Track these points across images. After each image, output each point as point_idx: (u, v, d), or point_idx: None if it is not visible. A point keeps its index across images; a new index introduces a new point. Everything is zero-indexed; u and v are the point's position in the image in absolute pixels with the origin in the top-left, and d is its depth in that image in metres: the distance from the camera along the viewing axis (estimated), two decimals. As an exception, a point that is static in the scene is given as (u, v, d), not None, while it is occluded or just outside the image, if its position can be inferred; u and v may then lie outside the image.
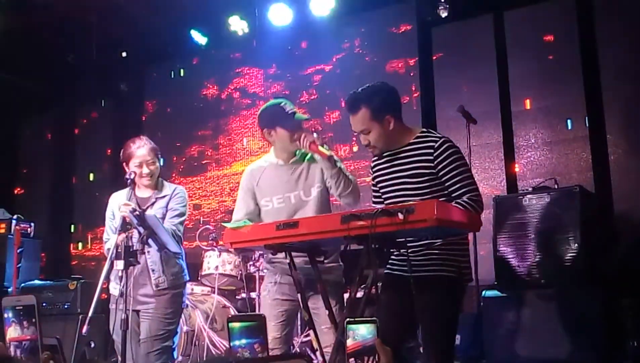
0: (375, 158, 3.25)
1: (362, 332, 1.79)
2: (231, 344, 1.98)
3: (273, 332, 3.40)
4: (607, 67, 5.82)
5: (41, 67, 8.20)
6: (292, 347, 4.29)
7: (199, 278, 5.84)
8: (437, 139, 3.04)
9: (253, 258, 5.77)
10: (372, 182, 3.28)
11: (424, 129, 3.16)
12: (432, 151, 3.00)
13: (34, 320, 1.94)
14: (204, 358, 5.25)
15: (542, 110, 6.14)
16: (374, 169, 3.25)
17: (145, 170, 3.87)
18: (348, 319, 1.86)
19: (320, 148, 3.29)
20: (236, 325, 1.97)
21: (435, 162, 2.99)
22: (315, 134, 3.39)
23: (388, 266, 3.12)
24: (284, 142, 3.46)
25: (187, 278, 4.02)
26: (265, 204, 3.51)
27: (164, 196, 3.92)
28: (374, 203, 3.24)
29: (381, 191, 3.19)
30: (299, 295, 3.11)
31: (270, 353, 3.24)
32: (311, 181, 3.45)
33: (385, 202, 3.14)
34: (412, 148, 3.07)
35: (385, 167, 3.17)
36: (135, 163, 3.86)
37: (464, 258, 3.09)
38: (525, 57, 6.23)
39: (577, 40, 5.98)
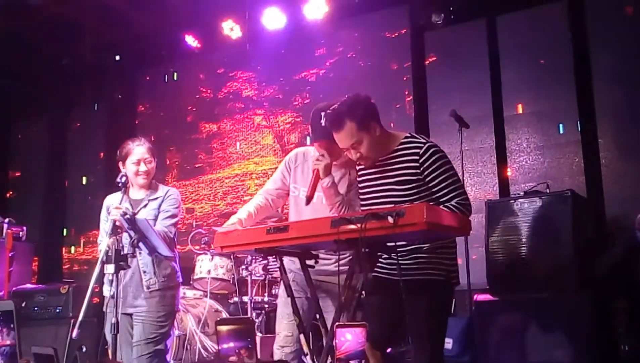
0: (360, 167, 3.24)
1: (351, 336, 1.80)
2: (220, 347, 1.98)
3: (285, 330, 3.39)
4: (599, 72, 5.84)
5: (34, 70, 8.19)
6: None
7: (191, 282, 5.83)
8: (422, 144, 3.03)
9: (245, 262, 5.76)
10: (359, 189, 3.26)
11: (408, 134, 3.14)
12: (417, 156, 3.00)
13: (12, 325, 1.93)
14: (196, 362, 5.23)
15: (534, 114, 6.15)
16: (360, 177, 3.24)
17: (142, 168, 3.90)
18: (338, 323, 1.87)
19: (320, 180, 3.21)
20: (224, 327, 1.97)
21: (422, 168, 2.99)
22: (324, 163, 3.23)
23: (375, 269, 3.12)
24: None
25: (180, 280, 4.01)
26: (293, 189, 3.52)
27: (156, 198, 3.94)
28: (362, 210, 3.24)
29: (368, 197, 3.18)
30: (289, 299, 3.10)
31: (281, 351, 3.28)
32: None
33: (373, 209, 3.14)
34: (397, 154, 3.07)
35: (371, 173, 3.16)
36: (133, 160, 3.89)
37: (452, 262, 3.10)
38: (518, 61, 6.25)
39: (569, 45, 5.99)
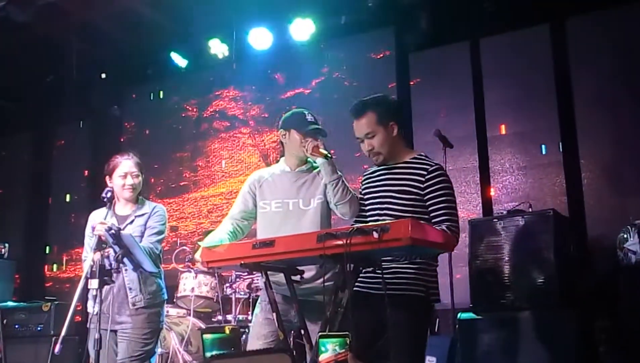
0: (367, 173, 3.33)
1: (334, 347, 1.81)
2: (205, 355, 1.99)
3: None
4: (580, 94, 5.93)
5: (19, 87, 8.16)
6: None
7: (174, 300, 5.80)
8: (433, 164, 3.14)
9: (230, 280, 5.74)
10: (361, 194, 3.33)
11: (423, 153, 3.24)
12: (425, 173, 3.09)
13: (-4, 333, 1.92)
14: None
15: (517, 135, 6.23)
16: (365, 180, 3.33)
17: (129, 181, 3.91)
18: (320, 333, 1.88)
19: (321, 150, 3.29)
20: (209, 336, 1.98)
21: (425, 184, 3.07)
22: (320, 140, 3.37)
23: (356, 283, 3.13)
24: (294, 145, 3.47)
25: (165, 297, 4.00)
26: (263, 206, 3.52)
27: (143, 214, 3.94)
28: (358, 216, 3.29)
29: (367, 201, 3.25)
30: (274, 315, 3.10)
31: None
32: (313, 191, 3.44)
33: (368, 214, 3.21)
34: (407, 165, 3.17)
35: (376, 177, 3.26)
36: (120, 173, 3.90)
37: (432, 279, 3.14)
38: (501, 83, 6.33)
39: (551, 67, 6.09)
